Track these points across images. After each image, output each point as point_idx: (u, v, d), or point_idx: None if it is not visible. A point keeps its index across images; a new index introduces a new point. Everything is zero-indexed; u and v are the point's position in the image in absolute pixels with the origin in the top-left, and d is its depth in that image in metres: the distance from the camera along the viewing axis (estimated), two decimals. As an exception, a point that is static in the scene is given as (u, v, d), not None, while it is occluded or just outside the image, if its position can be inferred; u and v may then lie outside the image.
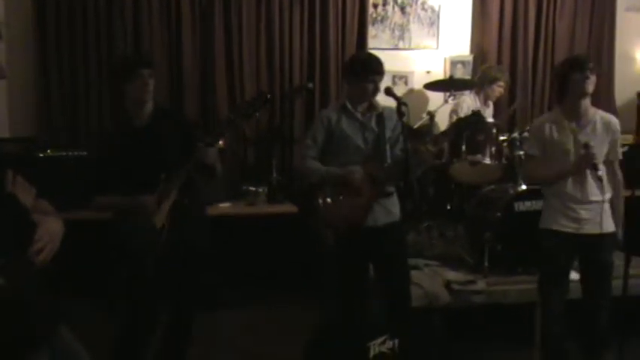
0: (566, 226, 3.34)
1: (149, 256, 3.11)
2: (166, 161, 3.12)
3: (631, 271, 3.41)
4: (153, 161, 3.11)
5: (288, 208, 5.04)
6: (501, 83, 5.43)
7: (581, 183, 3.31)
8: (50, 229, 1.87)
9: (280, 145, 5.55)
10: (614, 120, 3.41)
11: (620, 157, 3.44)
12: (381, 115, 3.48)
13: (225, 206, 4.91)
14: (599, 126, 3.34)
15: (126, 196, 3.09)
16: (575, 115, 3.33)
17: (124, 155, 3.12)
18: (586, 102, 3.33)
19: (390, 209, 3.51)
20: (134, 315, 3.21)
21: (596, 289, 3.41)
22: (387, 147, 3.45)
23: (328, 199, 3.43)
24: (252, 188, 5.10)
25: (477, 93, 5.44)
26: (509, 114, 5.68)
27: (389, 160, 3.41)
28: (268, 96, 3.22)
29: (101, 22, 5.28)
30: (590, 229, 3.32)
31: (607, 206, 3.32)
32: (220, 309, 4.62)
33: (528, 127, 4.44)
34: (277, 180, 5.22)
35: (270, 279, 5.09)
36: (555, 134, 3.35)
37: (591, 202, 3.31)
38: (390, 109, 3.51)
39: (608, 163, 3.37)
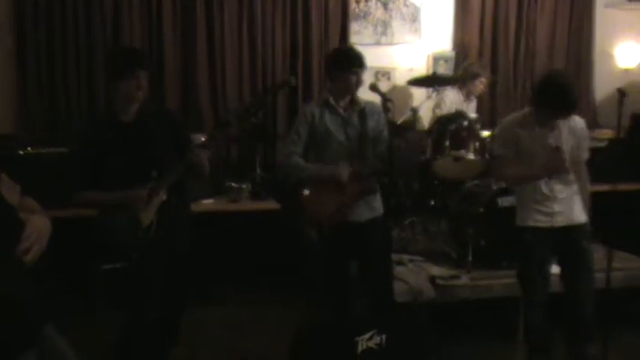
0: (541, 221, 3.42)
1: (135, 253, 3.08)
2: (155, 158, 3.10)
3: (613, 264, 3.46)
4: (140, 157, 3.08)
5: (272, 204, 5.02)
6: (483, 79, 5.46)
7: (548, 182, 3.38)
8: (38, 227, 1.84)
9: (263, 141, 5.53)
10: (581, 122, 3.48)
11: (587, 157, 3.50)
12: (363, 111, 3.48)
13: (208, 203, 4.88)
14: (565, 129, 3.40)
15: (111, 192, 3.05)
16: (545, 122, 3.38)
17: (109, 149, 3.08)
18: None
19: (373, 205, 3.52)
20: (129, 315, 3.18)
21: (577, 280, 3.46)
22: (370, 143, 3.46)
23: (312, 196, 3.43)
24: (235, 185, 5.07)
25: (460, 88, 5.46)
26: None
27: (371, 157, 3.42)
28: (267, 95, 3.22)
29: (80, 16, 5.20)
30: (563, 221, 3.41)
31: (577, 198, 3.43)
32: (204, 306, 4.59)
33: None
34: (260, 176, 5.20)
35: (254, 276, 5.08)
36: (523, 136, 3.39)
37: (560, 197, 3.40)
38: (372, 104, 3.52)
39: (574, 163, 3.43)
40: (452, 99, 5.33)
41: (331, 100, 3.48)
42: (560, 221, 3.41)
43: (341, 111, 3.48)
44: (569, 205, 3.42)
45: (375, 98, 3.50)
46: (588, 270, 3.47)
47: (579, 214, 3.45)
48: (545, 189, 3.39)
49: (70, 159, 3.57)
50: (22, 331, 1.78)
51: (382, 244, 3.54)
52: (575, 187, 3.43)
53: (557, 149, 3.29)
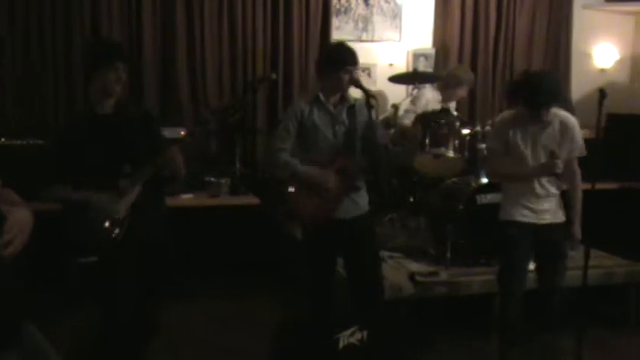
0: (528, 217, 3.51)
1: (101, 248, 3.05)
2: (129, 154, 3.07)
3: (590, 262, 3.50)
4: (114, 152, 3.05)
5: (251, 199, 5.00)
6: (466, 87, 5.42)
7: (541, 180, 3.49)
8: (19, 220, 1.80)
9: (243, 136, 5.49)
10: (572, 120, 3.55)
11: (582, 154, 3.56)
12: (352, 108, 3.45)
13: (187, 198, 4.84)
14: (557, 127, 3.48)
15: (82, 185, 3.00)
16: (536, 120, 3.45)
17: (83, 142, 3.04)
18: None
19: (358, 202, 3.50)
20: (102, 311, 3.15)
21: (552, 276, 3.59)
22: (358, 140, 3.44)
23: (298, 193, 3.42)
24: (214, 179, 5.04)
25: (440, 89, 5.40)
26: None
27: (359, 154, 3.41)
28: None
29: (57, 9, 5.11)
30: (549, 219, 3.53)
31: (559, 197, 3.56)
32: (183, 301, 4.57)
33: (491, 122, 4.53)
34: (240, 171, 5.17)
35: (234, 270, 5.06)
36: (517, 135, 3.47)
37: (550, 195, 3.52)
38: (361, 101, 3.49)
39: (567, 161, 3.50)
40: (428, 98, 5.26)
41: (321, 97, 3.44)
42: (546, 219, 3.52)
43: (330, 108, 3.45)
44: (554, 204, 3.54)
45: (358, 94, 3.48)
46: (562, 266, 3.61)
47: (561, 214, 3.57)
48: (539, 188, 3.49)
49: (44, 153, 3.51)
50: (3, 328, 1.75)
51: (368, 240, 3.54)
52: (560, 186, 3.53)
53: (554, 154, 3.36)
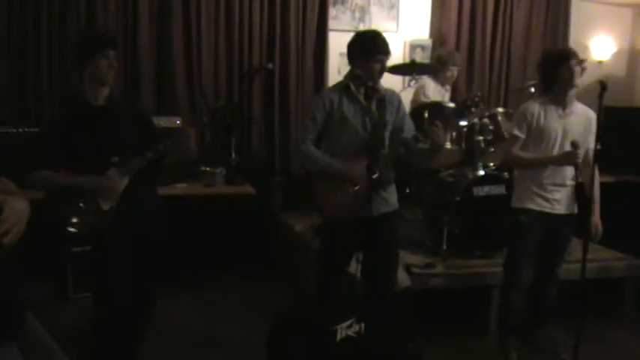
0: (541, 206, 3.55)
1: (90, 238, 3.04)
2: (118, 145, 3.06)
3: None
4: (103, 142, 3.04)
5: (247, 189, 4.97)
6: (452, 67, 5.41)
7: (558, 169, 3.51)
8: (16, 210, 1.76)
9: (239, 125, 5.46)
10: (592, 113, 3.60)
11: (593, 147, 3.50)
12: (382, 100, 3.32)
13: (182, 187, 4.80)
14: (580, 117, 3.55)
15: (69, 173, 2.99)
16: (562, 102, 3.50)
17: (73, 130, 3.02)
18: (572, 92, 3.50)
19: (387, 199, 3.38)
20: (100, 304, 3.12)
21: (552, 267, 3.67)
22: (386, 133, 3.32)
23: (325, 188, 3.28)
24: (209, 169, 5.00)
25: (434, 77, 5.43)
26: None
27: (387, 148, 3.29)
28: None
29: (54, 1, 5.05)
30: (561, 209, 3.56)
31: (572, 189, 3.54)
32: (176, 291, 4.55)
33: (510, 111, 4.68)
34: (235, 161, 5.14)
35: (228, 260, 5.04)
36: (543, 120, 3.51)
37: (565, 185, 3.54)
38: (391, 92, 3.42)
39: (585, 151, 3.53)
40: (433, 88, 5.34)
41: (352, 87, 3.31)
42: (558, 209, 3.55)
43: (361, 99, 3.30)
44: (568, 195, 3.55)
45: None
46: (562, 259, 3.71)
47: (573, 205, 3.57)
48: (555, 177, 3.52)
49: (33, 139, 3.44)
50: (4, 319, 1.72)
51: (393, 238, 3.43)
52: (577, 177, 3.51)
53: (575, 144, 3.37)
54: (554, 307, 3.77)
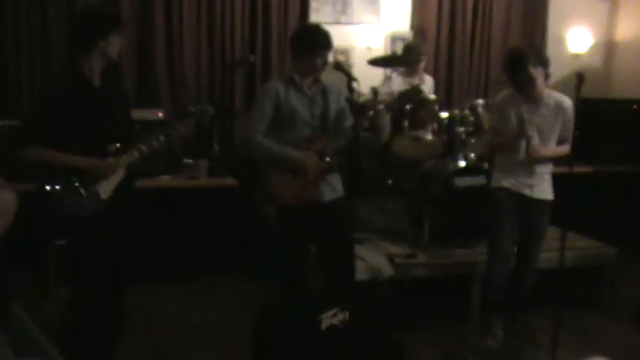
0: (514, 186, 3.70)
1: (94, 226, 2.98)
2: (114, 129, 3.04)
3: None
4: (101, 126, 3.00)
5: (229, 181, 4.99)
6: (422, 56, 5.44)
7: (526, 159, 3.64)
8: (3, 202, 1.78)
9: (221, 118, 5.45)
10: (568, 102, 3.69)
11: (570, 136, 3.70)
12: (325, 90, 3.48)
13: (165, 179, 4.81)
14: (552, 108, 3.64)
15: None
16: (530, 99, 3.62)
17: (75, 110, 2.92)
18: (537, 89, 3.59)
19: (334, 186, 3.53)
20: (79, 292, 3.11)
21: (531, 250, 3.79)
22: (332, 122, 3.48)
23: (275, 176, 3.41)
24: (192, 161, 5.01)
25: (405, 68, 5.43)
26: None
27: (334, 135, 3.45)
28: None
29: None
30: (535, 194, 3.70)
31: (549, 177, 3.73)
32: (160, 283, 4.56)
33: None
34: (218, 153, 5.15)
35: (212, 252, 5.05)
36: (512, 114, 3.63)
37: (536, 173, 3.69)
38: (332, 83, 3.53)
39: (561, 140, 3.71)
40: (401, 81, 5.34)
41: (296, 79, 3.44)
42: (533, 194, 3.69)
43: (306, 89, 3.45)
44: (541, 181, 3.70)
45: (340, 77, 3.49)
46: (539, 245, 3.80)
47: (548, 192, 3.74)
48: (524, 163, 3.64)
49: (32, 109, 3.23)
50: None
51: (344, 224, 3.57)
52: (549, 167, 3.73)
53: (523, 121, 3.53)
54: (532, 294, 3.86)
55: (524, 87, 3.59)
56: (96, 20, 3.03)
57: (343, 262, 3.57)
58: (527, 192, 3.70)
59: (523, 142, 3.60)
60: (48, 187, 2.89)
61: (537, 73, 3.52)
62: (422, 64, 5.49)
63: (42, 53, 5.08)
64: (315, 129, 3.46)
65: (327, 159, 3.44)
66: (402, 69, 5.43)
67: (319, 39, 3.39)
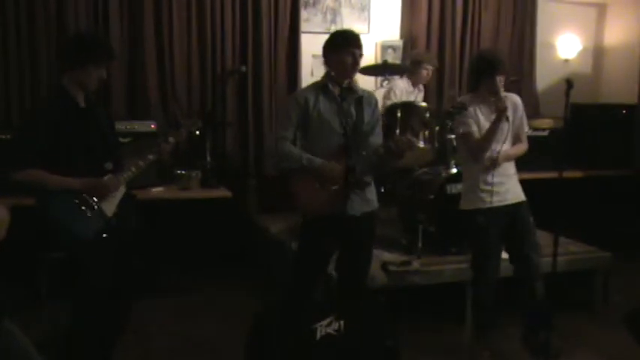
0: (492, 202, 3.63)
1: (101, 245, 3.01)
2: (108, 148, 3.07)
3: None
4: (94, 145, 3.03)
5: (222, 192, 5.00)
6: (427, 66, 5.49)
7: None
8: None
9: (212, 128, 5.47)
10: (519, 100, 3.80)
11: (527, 129, 3.85)
12: (360, 100, 3.34)
13: (158, 190, 4.81)
14: (510, 106, 3.64)
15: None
16: (488, 102, 3.65)
17: (65, 131, 2.94)
18: (498, 97, 3.59)
19: (368, 198, 3.39)
20: (89, 307, 3.09)
21: (526, 250, 3.69)
22: (364, 135, 3.33)
23: (302, 185, 3.29)
24: (184, 172, 5.01)
25: (408, 77, 5.51)
26: (447, 98, 5.82)
27: (365, 150, 3.28)
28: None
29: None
30: (512, 199, 3.70)
31: (516, 176, 3.76)
32: (156, 294, 4.56)
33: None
34: (210, 164, 5.16)
35: (205, 263, 5.05)
36: (479, 115, 3.67)
37: (509, 174, 3.71)
38: (369, 93, 3.44)
39: (516, 137, 3.76)
40: (402, 88, 5.38)
41: (330, 86, 3.31)
42: (509, 198, 3.68)
43: (338, 98, 3.31)
44: (514, 182, 3.74)
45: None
46: (533, 242, 3.74)
47: (520, 193, 3.76)
48: (501, 169, 3.63)
49: (23, 130, 3.15)
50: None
51: (370, 237, 3.46)
52: (514, 166, 3.76)
53: (498, 92, 3.55)
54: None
55: (486, 93, 3.62)
56: (79, 46, 3.05)
57: (360, 274, 3.47)
58: (504, 200, 3.65)
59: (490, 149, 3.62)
60: (55, 213, 2.92)
61: (501, 82, 3.59)
62: (426, 73, 5.51)
63: (30, 65, 5.06)
64: (347, 139, 3.27)
65: (354, 174, 3.25)
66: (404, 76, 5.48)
67: (348, 37, 3.30)
